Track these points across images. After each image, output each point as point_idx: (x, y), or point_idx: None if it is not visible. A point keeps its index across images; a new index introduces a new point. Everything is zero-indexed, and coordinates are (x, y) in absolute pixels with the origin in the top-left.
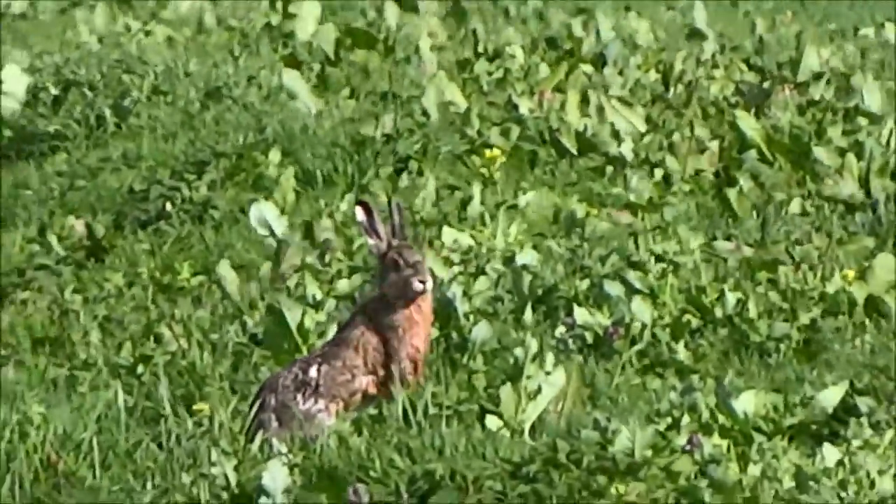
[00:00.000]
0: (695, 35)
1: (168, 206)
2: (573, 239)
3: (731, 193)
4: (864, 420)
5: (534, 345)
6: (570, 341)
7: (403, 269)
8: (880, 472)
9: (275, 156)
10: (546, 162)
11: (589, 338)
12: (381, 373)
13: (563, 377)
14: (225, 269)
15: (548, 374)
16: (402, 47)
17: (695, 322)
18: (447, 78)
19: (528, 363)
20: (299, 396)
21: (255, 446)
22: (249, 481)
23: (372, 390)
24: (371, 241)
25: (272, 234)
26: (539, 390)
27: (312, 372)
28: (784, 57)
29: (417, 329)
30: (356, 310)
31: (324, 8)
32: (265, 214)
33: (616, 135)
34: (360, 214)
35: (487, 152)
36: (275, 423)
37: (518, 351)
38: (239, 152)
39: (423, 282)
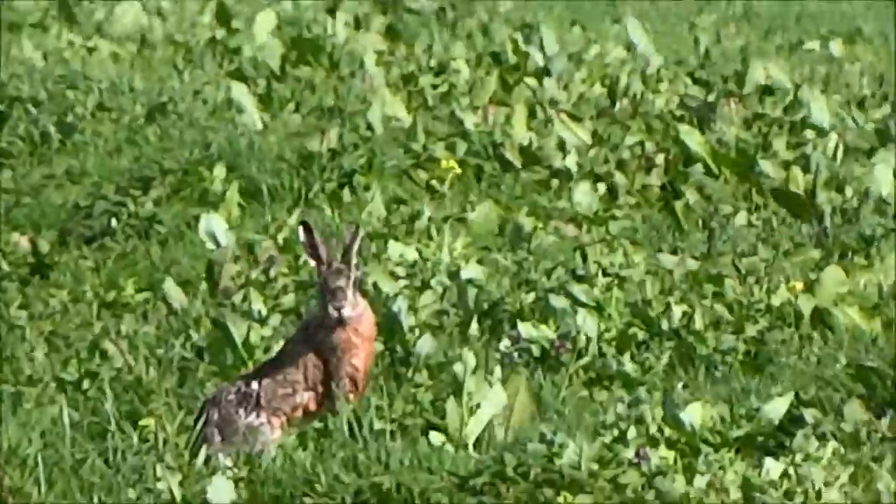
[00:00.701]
0: (636, 49)
1: (113, 221)
2: (519, 252)
3: (678, 206)
4: (809, 431)
5: (472, 359)
6: (516, 355)
7: (326, 295)
8: (826, 484)
9: (220, 171)
10: (492, 176)
11: (535, 351)
12: (321, 390)
13: (508, 391)
14: (170, 285)
15: (492, 387)
16: (347, 62)
17: (641, 335)
18: (392, 92)
19: (469, 377)
20: (241, 410)
21: (199, 461)
22: (195, 496)
23: (312, 406)
24: (312, 263)
25: (219, 248)
26: (481, 405)
27: (254, 385)
28: (729, 70)
29: (356, 350)
30: (299, 326)
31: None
32: (213, 228)
33: (562, 148)
34: (301, 235)
35: (443, 163)
36: (218, 438)
37: (458, 366)
38: (184, 168)
39: (338, 308)
